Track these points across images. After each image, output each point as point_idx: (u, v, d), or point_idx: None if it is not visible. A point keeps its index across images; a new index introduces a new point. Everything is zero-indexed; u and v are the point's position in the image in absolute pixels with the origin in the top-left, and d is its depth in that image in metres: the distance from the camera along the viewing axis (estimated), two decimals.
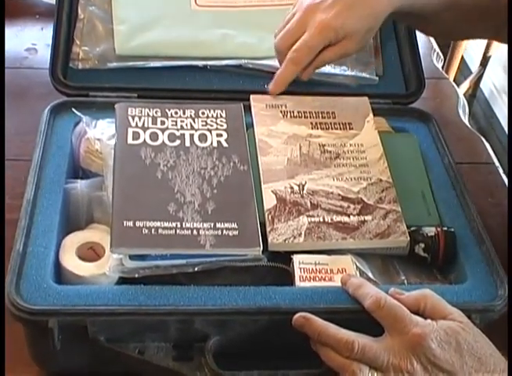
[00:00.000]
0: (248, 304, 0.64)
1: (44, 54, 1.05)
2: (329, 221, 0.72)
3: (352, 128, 0.82)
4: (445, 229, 0.73)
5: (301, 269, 0.68)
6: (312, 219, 0.72)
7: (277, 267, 0.69)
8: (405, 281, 0.70)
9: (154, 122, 0.79)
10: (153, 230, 0.67)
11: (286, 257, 0.69)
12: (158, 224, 0.67)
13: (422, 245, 0.72)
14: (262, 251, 0.68)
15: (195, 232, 0.67)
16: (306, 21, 0.79)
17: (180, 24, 0.94)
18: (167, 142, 0.77)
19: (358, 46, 0.82)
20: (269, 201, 0.73)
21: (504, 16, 0.79)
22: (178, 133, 0.78)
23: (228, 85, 0.91)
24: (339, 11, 0.78)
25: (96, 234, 0.70)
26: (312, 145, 0.80)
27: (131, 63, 0.91)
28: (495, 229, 0.85)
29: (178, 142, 0.77)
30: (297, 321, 0.62)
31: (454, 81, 1.82)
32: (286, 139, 0.80)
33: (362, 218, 0.72)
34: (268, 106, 0.84)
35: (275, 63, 0.92)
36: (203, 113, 0.81)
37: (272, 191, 0.74)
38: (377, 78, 0.94)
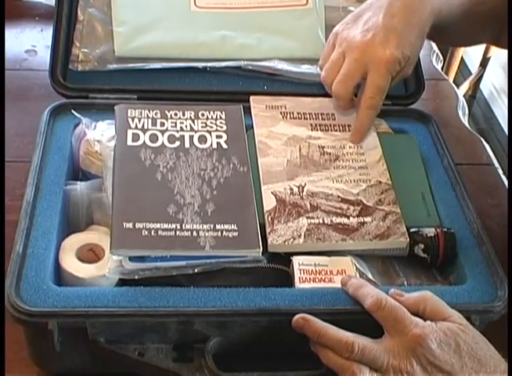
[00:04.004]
0: (248, 305, 0.64)
1: (43, 56, 1.05)
2: (329, 222, 0.72)
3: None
4: (445, 229, 0.73)
5: (300, 270, 0.68)
6: (312, 221, 0.72)
7: (277, 268, 0.69)
8: (405, 282, 0.70)
9: (154, 124, 0.79)
10: (152, 232, 0.67)
11: (285, 258, 0.69)
12: (158, 225, 0.67)
13: (421, 246, 0.72)
14: (262, 253, 0.68)
15: (195, 233, 0.67)
16: (365, 60, 0.75)
17: (179, 26, 0.94)
18: (166, 143, 0.77)
19: (414, 65, 0.81)
20: (269, 202, 0.73)
21: (505, 20, 0.79)
22: (177, 135, 0.78)
23: (227, 87, 0.91)
24: (395, 42, 0.75)
25: (96, 236, 0.70)
26: (312, 146, 0.80)
27: (130, 65, 0.91)
28: (495, 229, 0.85)
29: (177, 143, 0.77)
30: (297, 322, 0.62)
31: (454, 82, 1.83)
32: (286, 141, 0.80)
33: (361, 219, 0.73)
34: (268, 107, 0.84)
35: (274, 64, 0.92)
36: (202, 115, 0.81)
37: (272, 192, 0.74)
38: None
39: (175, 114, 0.81)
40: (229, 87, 0.91)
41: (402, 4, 0.76)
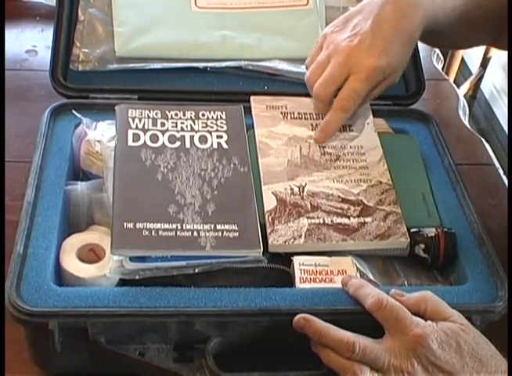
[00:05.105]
0: (248, 305, 0.64)
1: (44, 56, 1.05)
2: (330, 222, 0.72)
3: (352, 130, 0.82)
4: (446, 229, 0.73)
5: (301, 270, 0.68)
6: (312, 221, 0.72)
7: (277, 268, 0.69)
8: (406, 282, 0.70)
9: (154, 124, 0.79)
10: (153, 232, 0.67)
11: (286, 258, 0.69)
12: (158, 226, 0.67)
13: (422, 246, 0.72)
14: (262, 253, 0.68)
15: (195, 233, 0.67)
16: (349, 65, 0.75)
17: (180, 26, 0.94)
18: (167, 143, 0.77)
19: (401, 73, 0.80)
20: (269, 203, 0.73)
21: (505, 21, 0.79)
22: (178, 135, 0.78)
23: (228, 87, 0.92)
24: (382, 50, 0.74)
25: (97, 236, 0.70)
26: (312, 147, 0.80)
27: (131, 65, 0.91)
28: (496, 230, 0.85)
29: (178, 143, 0.77)
30: (298, 322, 0.62)
31: (454, 82, 1.83)
32: (287, 141, 0.80)
33: (362, 219, 0.72)
34: (269, 107, 0.84)
35: (274, 64, 0.92)
36: (203, 115, 0.81)
37: (273, 192, 0.74)
38: None
39: (176, 114, 0.81)
40: (230, 87, 0.91)
41: (393, 10, 0.75)
